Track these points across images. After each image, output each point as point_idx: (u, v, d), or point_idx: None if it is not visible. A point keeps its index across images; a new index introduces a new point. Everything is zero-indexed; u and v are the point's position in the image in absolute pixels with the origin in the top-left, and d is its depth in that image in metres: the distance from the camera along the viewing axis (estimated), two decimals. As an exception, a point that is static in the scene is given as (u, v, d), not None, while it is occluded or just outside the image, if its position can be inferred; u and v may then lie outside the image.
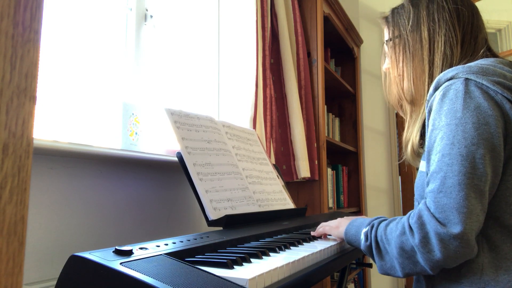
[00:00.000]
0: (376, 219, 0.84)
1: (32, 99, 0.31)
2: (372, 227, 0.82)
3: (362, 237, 0.84)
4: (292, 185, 2.03)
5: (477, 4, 0.98)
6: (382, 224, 0.80)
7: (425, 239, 0.69)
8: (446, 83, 0.77)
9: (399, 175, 3.08)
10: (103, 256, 0.57)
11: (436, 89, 0.80)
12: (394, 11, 1.00)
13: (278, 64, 1.93)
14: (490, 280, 0.71)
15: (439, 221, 0.68)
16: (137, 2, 1.35)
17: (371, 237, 0.81)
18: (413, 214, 0.73)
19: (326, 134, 2.16)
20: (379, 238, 0.79)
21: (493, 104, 0.72)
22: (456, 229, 0.66)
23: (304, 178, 1.87)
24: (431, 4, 0.92)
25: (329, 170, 2.41)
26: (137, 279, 0.51)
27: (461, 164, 0.69)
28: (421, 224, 0.70)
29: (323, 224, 1.05)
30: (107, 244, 1.03)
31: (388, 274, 0.79)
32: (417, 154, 0.91)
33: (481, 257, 0.72)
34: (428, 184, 0.74)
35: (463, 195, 0.67)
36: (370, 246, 0.81)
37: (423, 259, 0.70)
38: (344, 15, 2.50)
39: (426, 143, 0.79)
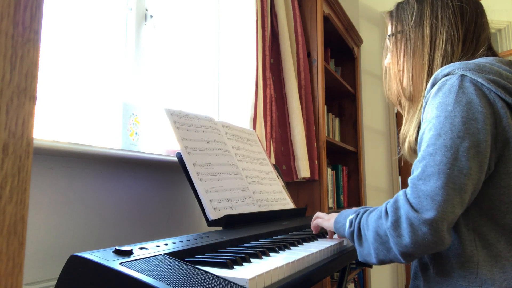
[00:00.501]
0: (363, 207, 0.85)
1: (32, 99, 0.31)
2: (357, 214, 0.83)
3: (347, 223, 0.85)
4: (292, 185, 2.03)
5: (477, 4, 0.98)
6: (367, 212, 0.81)
7: (396, 223, 0.70)
8: (443, 79, 0.78)
9: (399, 175, 3.08)
10: (103, 256, 0.57)
11: (433, 85, 0.80)
12: (399, 6, 0.99)
13: (278, 64, 1.93)
14: (486, 279, 0.71)
15: (412, 206, 0.69)
16: (137, 2, 1.35)
17: (355, 223, 0.82)
18: (391, 199, 0.74)
19: (326, 134, 2.16)
20: (361, 225, 0.80)
21: (485, 102, 0.72)
22: (427, 215, 0.66)
23: (304, 178, 1.87)
24: (436, 0, 0.92)
25: (329, 170, 2.41)
26: (137, 279, 0.51)
27: (444, 154, 0.69)
28: (396, 209, 0.71)
29: (318, 215, 1.07)
30: (107, 244, 1.03)
31: (365, 261, 0.80)
32: (414, 151, 0.91)
33: (476, 255, 0.73)
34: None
35: (440, 183, 0.67)
36: (352, 232, 0.82)
37: (394, 244, 0.71)
38: (344, 15, 2.50)
39: (419, 136, 0.79)
